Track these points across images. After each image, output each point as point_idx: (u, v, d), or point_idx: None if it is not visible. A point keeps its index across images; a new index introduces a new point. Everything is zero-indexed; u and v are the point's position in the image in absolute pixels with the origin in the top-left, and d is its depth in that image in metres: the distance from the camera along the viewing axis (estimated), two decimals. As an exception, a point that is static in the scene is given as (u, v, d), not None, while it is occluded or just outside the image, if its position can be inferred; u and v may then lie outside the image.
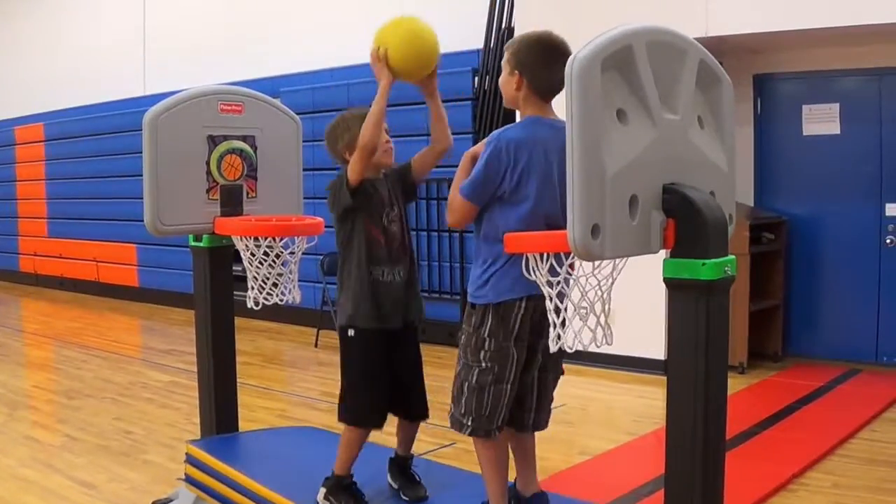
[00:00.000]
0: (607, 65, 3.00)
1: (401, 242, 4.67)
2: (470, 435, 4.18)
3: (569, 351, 3.51)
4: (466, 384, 4.14)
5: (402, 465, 4.89)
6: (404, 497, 4.76)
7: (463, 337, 4.17)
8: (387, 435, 4.95)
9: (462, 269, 11.44)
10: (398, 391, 4.70)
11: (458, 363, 4.24)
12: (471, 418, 4.14)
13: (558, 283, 3.45)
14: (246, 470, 5.11)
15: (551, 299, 3.47)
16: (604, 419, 7.46)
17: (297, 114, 6.01)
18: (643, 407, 7.86)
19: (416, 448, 4.97)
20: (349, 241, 4.56)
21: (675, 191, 3.19)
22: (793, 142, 10.21)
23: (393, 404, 4.72)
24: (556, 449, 6.95)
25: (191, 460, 5.50)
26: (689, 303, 3.21)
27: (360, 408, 4.62)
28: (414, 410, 4.82)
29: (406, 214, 4.75)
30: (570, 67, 2.93)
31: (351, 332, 4.60)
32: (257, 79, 12.88)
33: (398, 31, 4.46)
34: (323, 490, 4.63)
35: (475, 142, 10.97)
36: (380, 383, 4.61)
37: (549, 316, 3.48)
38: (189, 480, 5.50)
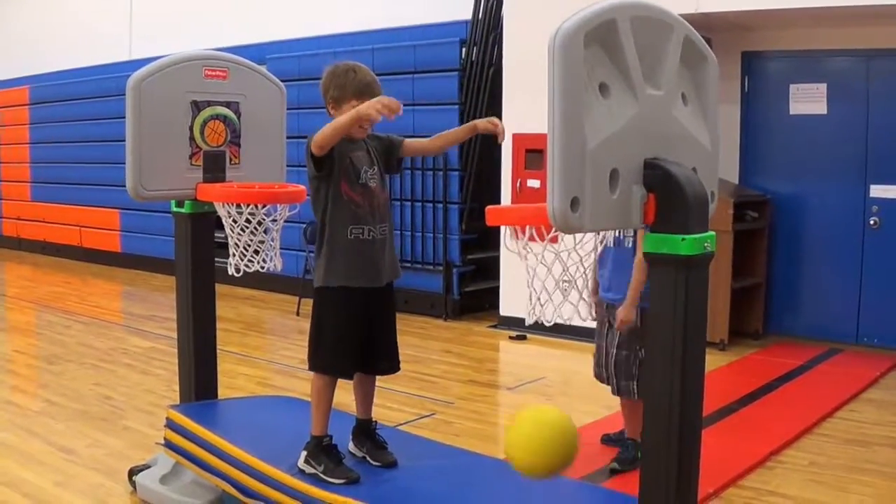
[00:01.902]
0: (590, 38, 2.99)
1: (384, 199, 4.69)
2: None
3: (547, 325, 3.51)
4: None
5: (366, 429, 4.89)
6: (374, 462, 4.78)
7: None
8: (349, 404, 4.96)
9: (445, 239, 11.45)
10: (369, 346, 4.71)
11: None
12: None
13: (538, 256, 3.45)
14: (227, 435, 5.10)
15: (530, 272, 3.47)
16: (584, 393, 7.47)
17: (283, 81, 5.98)
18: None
19: (396, 417, 4.97)
20: (325, 205, 4.56)
21: (656, 165, 3.18)
22: (779, 121, 10.21)
23: (364, 358, 4.72)
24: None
25: (171, 425, 5.48)
26: (668, 277, 3.21)
27: (330, 355, 4.63)
28: (384, 364, 4.83)
29: (385, 175, 4.77)
30: (553, 40, 2.91)
31: (327, 291, 4.60)
32: (244, 45, 12.85)
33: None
34: (303, 454, 4.62)
35: (461, 113, 11.10)
36: (351, 336, 4.62)
37: (528, 288, 3.49)
38: (168, 445, 5.48)
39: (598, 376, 6.09)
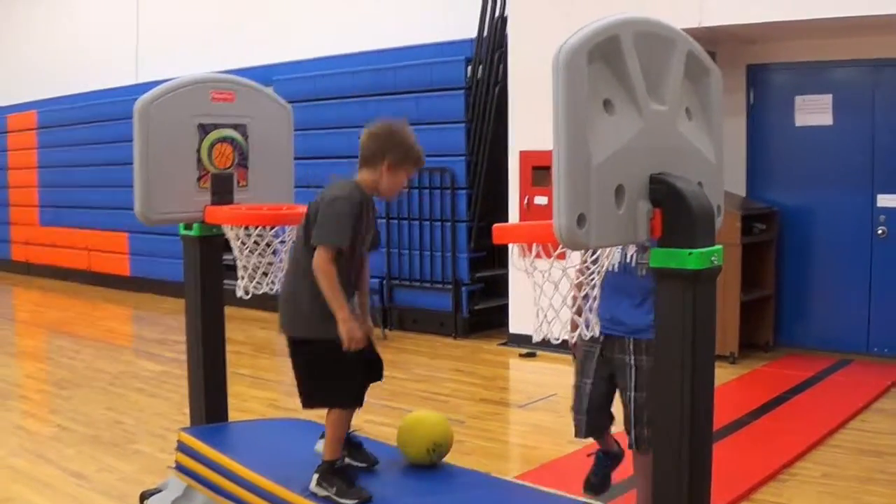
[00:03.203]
0: (594, 55, 3.00)
1: (361, 268, 4.75)
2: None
3: (555, 342, 3.52)
4: None
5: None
6: (356, 464, 4.84)
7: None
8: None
9: (454, 258, 11.45)
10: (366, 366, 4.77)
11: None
12: None
13: (545, 273, 3.46)
14: (239, 458, 5.09)
15: (537, 289, 3.47)
16: (594, 409, 7.46)
17: (290, 102, 6.00)
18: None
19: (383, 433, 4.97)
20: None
21: (661, 181, 3.19)
22: (785, 132, 10.21)
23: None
24: (547, 438, 6.98)
25: (182, 448, 5.47)
26: (675, 292, 3.22)
27: (340, 392, 4.64)
28: (377, 375, 4.86)
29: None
30: (557, 57, 2.93)
31: (322, 345, 4.59)
32: (250, 67, 12.87)
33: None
34: (315, 476, 4.62)
35: (468, 131, 11.12)
36: (355, 370, 4.64)
37: (535, 306, 3.49)
38: (180, 468, 5.47)
39: (591, 426, 5.12)
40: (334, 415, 4.67)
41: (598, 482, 5.22)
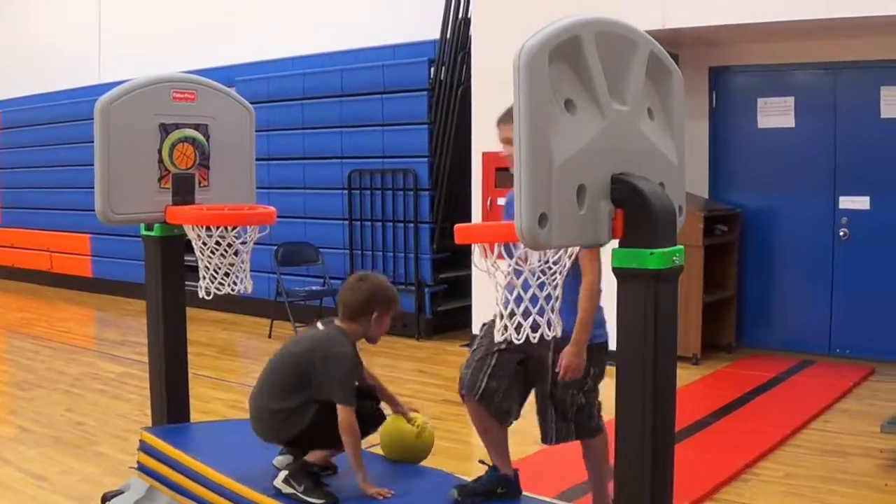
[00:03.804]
0: (555, 55, 3.00)
1: None
2: None
3: (516, 342, 3.52)
4: None
5: None
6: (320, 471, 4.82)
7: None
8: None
9: (417, 259, 11.46)
10: None
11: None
12: None
13: (507, 274, 3.45)
14: (202, 458, 5.07)
15: (499, 290, 3.47)
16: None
17: (252, 103, 5.97)
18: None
19: (368, 438, 4.97)
20: (295, 395, 4.67)
21: (623, 181, 3.19)
22: (748, 134, 10.27)
23: None
24: (510, 439, 6.97)
25: (144, 448, 5.44)
26: (637, 292, 3.22)
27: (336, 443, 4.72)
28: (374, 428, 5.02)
29: None
30: (518, 57, 2.92)
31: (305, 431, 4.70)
32: (212, 67, 12.80)
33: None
34: (284, 473, 4.62)
35: (431, 132, 11.12)
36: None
37: (497, 307, 3.49)
38: (142, 469, 5.44)
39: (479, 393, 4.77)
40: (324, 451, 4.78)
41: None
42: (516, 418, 4.88)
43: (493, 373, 4.72)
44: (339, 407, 4.52)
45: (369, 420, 4.83)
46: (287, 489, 4.58)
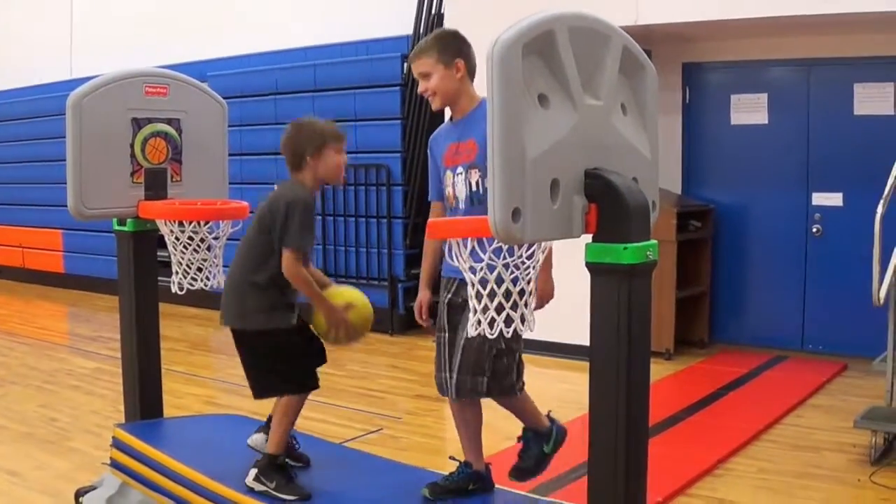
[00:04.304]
0: (529, 49, 3.00)
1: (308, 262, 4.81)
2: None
3: (490, 337, 3.50)
4: None
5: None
6: (293, 463, 4.84)
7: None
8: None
9: (389, 254, 11.45)
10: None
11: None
12: None
13: (481, 269, 3.44)
14: (175, 454, 5.06)
15: (473, 285, 3.46)
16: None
17: (225, 98, 5.96)
18: (568, 392, 7.86)
19: (342, 434, 4.97)
20: (269, 257, 4.63)
21: (596, 175, 3.19)
22: (721, 131, 10.30)
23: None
24: (483, 434, 6.97)
25: (117, 444, 5.42)
26: (610, 287, 3.22)
27: (291, 377, 4.73)
28: (322, 359, 4.96)
29: None
30: (491, 51, 2.92)
31: (269, 335, 4.72)
32: (185, 62, 12.73)
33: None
34: (254, 471, 4.60)
35: (404, 127, 11.11)
36: (303, 355, 4.78)
37: (470, 302, 3.48)
38: (115, 465, 5.42)
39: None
40: (286, 402, 4.71)
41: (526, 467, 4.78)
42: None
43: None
44: (284, 251, 4.52)
45: (321, 354, 4.90)
46: (259, 487, 4.56)
